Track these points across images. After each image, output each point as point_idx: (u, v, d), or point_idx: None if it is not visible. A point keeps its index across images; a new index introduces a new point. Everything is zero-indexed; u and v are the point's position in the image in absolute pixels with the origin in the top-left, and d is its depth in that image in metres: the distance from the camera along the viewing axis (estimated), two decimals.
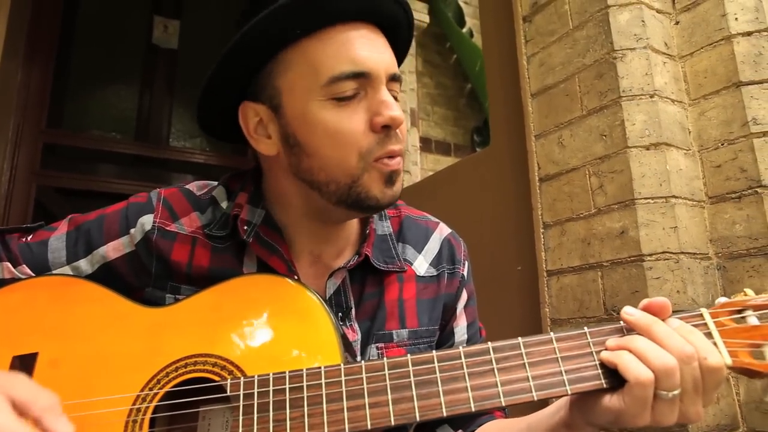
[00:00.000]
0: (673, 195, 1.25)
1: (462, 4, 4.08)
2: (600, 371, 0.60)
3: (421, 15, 3.80)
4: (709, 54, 1.34)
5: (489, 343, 0.63)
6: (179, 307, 0.72)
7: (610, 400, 0.59)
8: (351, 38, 0.71)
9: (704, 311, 0.63)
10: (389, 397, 0.60)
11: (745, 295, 0.64)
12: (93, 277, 0.78)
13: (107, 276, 0.79)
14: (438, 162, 3.82)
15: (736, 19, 1.30)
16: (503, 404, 0.60)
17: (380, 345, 0.80)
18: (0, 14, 2.05)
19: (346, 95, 0.70)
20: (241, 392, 0.62)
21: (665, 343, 0.58)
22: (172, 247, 0.79)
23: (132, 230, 0.80)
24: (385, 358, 0.63)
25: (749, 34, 1.29)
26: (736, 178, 1.25)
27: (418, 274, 0.86)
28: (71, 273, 0.79)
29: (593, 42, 1.43)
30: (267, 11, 0.69)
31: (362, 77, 0.70)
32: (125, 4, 3.61)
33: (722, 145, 1.29)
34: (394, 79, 0.74)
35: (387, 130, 0.72)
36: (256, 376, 0.63)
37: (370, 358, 0.78)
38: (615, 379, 0.59)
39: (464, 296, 0.91)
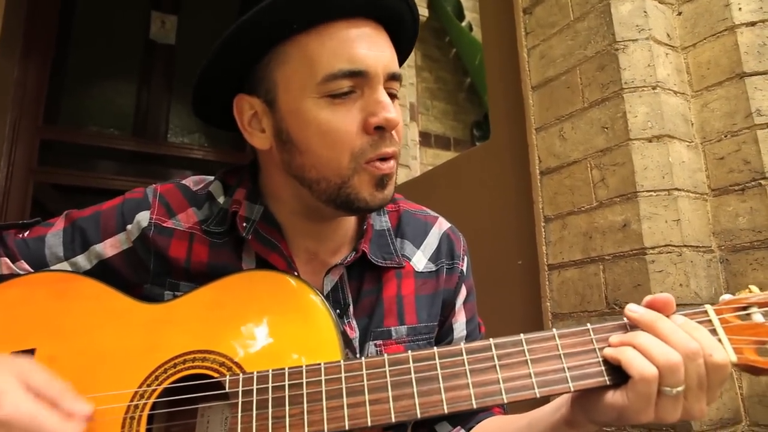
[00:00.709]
0: (675, 187, 1.24)
1: None
2: (603, 368, 0.59)
3: (420, 9, 3.79)
4: (712, 45, 1.33)
5: (491, 339, 0.62)
6: (178, 303, 0.71)
7: (613, 397, 0.59)
8: (350, 35, 0.69)
9: (709, 308, 0.62)
10: (390, 393, 0.59)
11: (750, 291, 0.63)
12: (91, 273, 0.78)
13: (105, 273, 0.78)
14: (437, 156, 3.81)
15: (740, 9, 1.29)
16: (505, 401, 0.59)
17: (379, 342, 0.80)
18: None
19: (342, 93, 0.69)
20: (240, 389, 0.61)
21: (670, 339, 0.57)
22: (169, 243, 0.78)
23: (128, 226, 0.79)
24: (385, 355, 0.62)
25: (753, 24, 1.27)
26: (739, 170, 1.24)
27: (416, 269, 0.85)
28: (69, 269, 0.78)
29: (595, 33, 1.42)
30: (266, 2, 0.67)
31: (359, 76, 0.69)
32: None
33: (725, 137, 1.28)
34: (393, 77, 0.72)
35: (381, 131, 0.70)
36: (255, 373, 0.62)
37: (369, 355, 0.77)
38: (618, 375, 0.58)
39: (463, 292, 0.90)
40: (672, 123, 1.30)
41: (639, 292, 1.21)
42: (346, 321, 0.78)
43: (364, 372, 0.61)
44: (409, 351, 0.62)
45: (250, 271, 0.76)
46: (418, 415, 0.59)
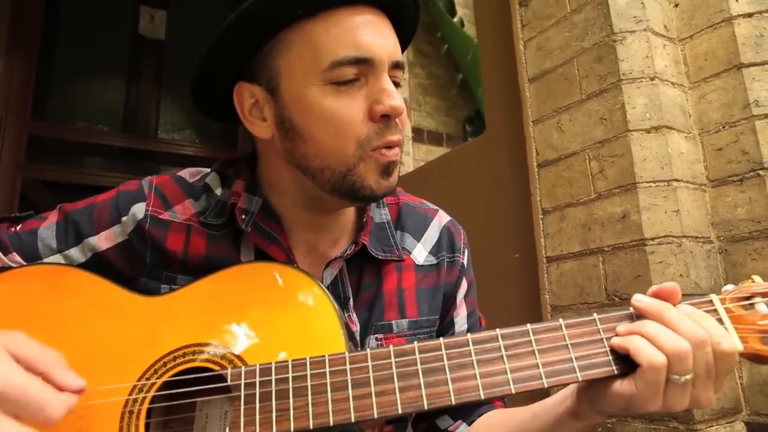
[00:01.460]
0: (675, 178, 1.24)
1: None
2: (611, 357, 0.59)
3: None
4: (709, 36, 1.33)
5: (497, 329, 0.62)
6: (176, 295, 0.69)
7: (621, 386, 0.58)
8: (355, 22, 0.68)
9: (714, 297, 0.62)
10: (396, 385, 0.58)
11: (753, 281, 0.64)
12: (85, 266, 0.76)
13: (99, 266, 0.76)
14: (430, 152, 3.80)
15: (737, 0, 1.29)
16: (513, 392, 0.58)
17: (380, 336, 0.79)
18: None
19: (346, 81, 0.68)
20: (243, 381, 0.60)
21: (678, 328, 0.57)
22: (166, 235, 0.77)
23: (124, 219, 0.77)
24: (391, 346, 0.61)
25: (750, 15, 1.27)
26: (737, 161, 1.24)
27: (417, 262, 0.84)
28: (63, 262, 0.76)
29: (592, 25, 1.41)
30: None
31: (364, 63, 0.68)
32: None
33: (723, 128, 1.28)
34: (397, 66, 0.71)
35: (387, 119, 0.69)
36: (257, 365, 0.61)
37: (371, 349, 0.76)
38: (626, 365, 0.58)
39: (464, 285, 0.89)
40: (670, 114, 1.30)
41: (639, 283, 1.21)
42: (346, 314, 0.77)
43: (370, 363, 0.60)
44: (415, 342, 0.61)
45: (251, 262, 0.74)
46: (425, 407, 0.57)
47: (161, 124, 3.61)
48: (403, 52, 0.76)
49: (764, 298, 0.61)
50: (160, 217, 0.78)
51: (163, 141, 3.56)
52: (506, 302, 1.61)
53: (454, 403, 0.58)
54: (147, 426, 0.61)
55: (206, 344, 0.64)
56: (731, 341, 0.57)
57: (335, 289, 0.77)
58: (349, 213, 0.83)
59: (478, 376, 0.58)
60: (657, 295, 0.61)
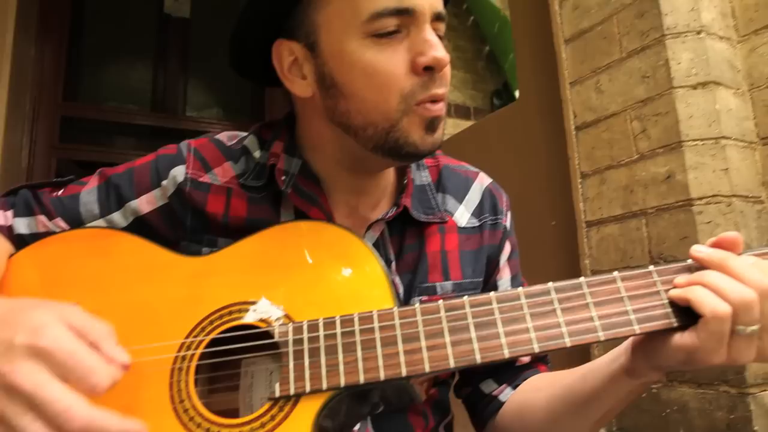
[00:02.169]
0: (723, 136, 1.19)
1: None
2: (670, 309, 0.57)
3: None
4: None
5: (550, 283, 0.60)
6: (221, 255, 0.69)
7: (682, 338, 0.56)
8: None
9: None
10: (447, 339, 0.57)
11: None
12: (128, 230, 0.76)
13: (141, 229, 0.76)
14: (458, 126, 3.73)
15: None
16: (568, 345, 0.57)
17: (424, 298, 0.78)
18: None
19: (387, 33, 0.65)
20: (290, 337, 0.59)
21: (743, 277, 0.54)
22: (206, 198, 0.76)
23: (164, 182, 0.77)
24: (440, 301, 0.60)
25: None
26: None
27: (459, 225, 0.83)
28: (106, 226, 0.76)
29: None
30: None
31: (406, 14, 0.65)
32: None
33: None
34: (439, 17, 0.69)
35: (430, 72, 0.67)
36: (305, 322, 0.60)
37: None
38: (686, 317, 0.56)
39: (507, 248, 0.87)
40: (718, 69, 1.24)
41: (686, 245, 1.17)
42: None
43: (419, 318, 0.59)
44: (465, 296, 0.60)
45: (294, 221, 0.74)
46: (478, 360, 0.56)
47: (188, 102, 3.63)
48: (445, 5, 0.74)
49: None
50: (200, 179, 0.77)
51: (191, 119, 3.58)
52: (543, 271, 1.58)
53: (507, 356, 0.56)
54: (195, 382, 0.61)
55: (252, 302, 0.64)
56: None
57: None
58: (390, 175, 0.82)
59: (531, 329, 0.57)
60: (718, 245, 0.58)
